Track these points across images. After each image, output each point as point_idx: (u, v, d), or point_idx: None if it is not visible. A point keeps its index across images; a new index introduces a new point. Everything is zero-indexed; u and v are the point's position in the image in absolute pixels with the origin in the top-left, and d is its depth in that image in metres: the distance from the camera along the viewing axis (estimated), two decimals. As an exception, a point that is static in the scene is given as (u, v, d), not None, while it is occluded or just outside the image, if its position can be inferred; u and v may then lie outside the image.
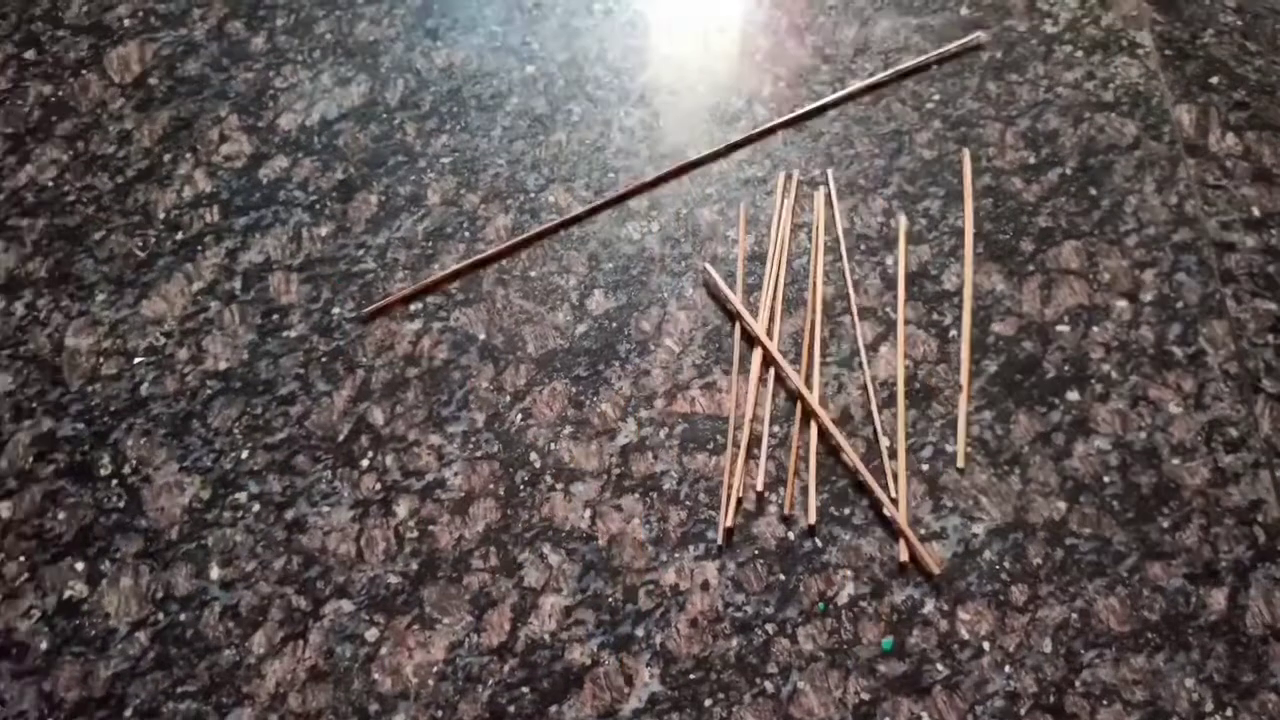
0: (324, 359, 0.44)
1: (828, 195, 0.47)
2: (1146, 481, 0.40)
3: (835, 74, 0.51)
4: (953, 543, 0.39)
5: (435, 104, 0.51)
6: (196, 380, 0.44)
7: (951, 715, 0.36)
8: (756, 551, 0.39)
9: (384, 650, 0.38)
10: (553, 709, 0.37)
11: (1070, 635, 0.37)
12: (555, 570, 0.39)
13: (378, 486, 0.41)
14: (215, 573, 0.40)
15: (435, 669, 0.38)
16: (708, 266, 0.44)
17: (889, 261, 0.45)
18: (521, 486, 0.41)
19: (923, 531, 0.39)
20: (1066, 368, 0.43)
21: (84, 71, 0.53)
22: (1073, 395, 0.42)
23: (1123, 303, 0.44)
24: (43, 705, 0.37)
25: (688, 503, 0.40)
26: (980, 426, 0.41)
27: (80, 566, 0.40)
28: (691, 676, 0.37)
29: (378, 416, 0.43)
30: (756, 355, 0.43)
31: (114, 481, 0.42)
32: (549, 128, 0.50)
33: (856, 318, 0.44)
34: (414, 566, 0.40)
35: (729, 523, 0.39)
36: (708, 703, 0.37)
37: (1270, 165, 0.47)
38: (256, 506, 0.41)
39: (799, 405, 0.42)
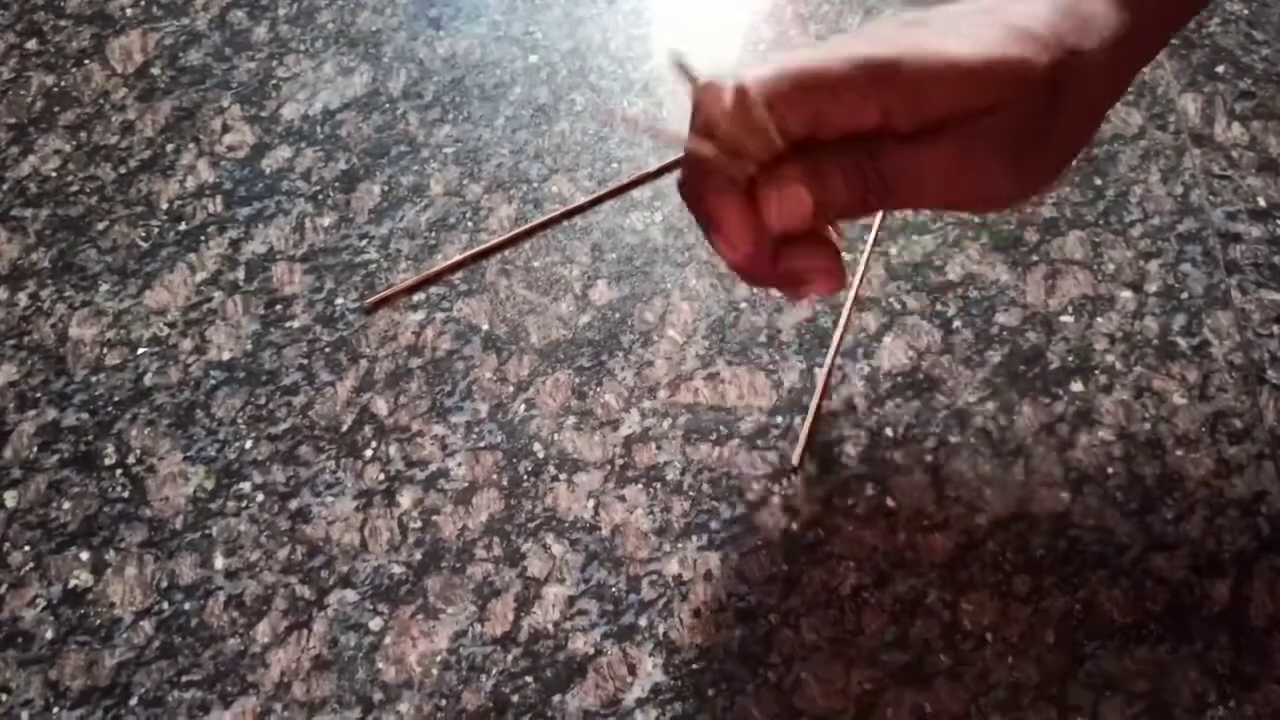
0: (327, 349, 0.44)
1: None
2: (1150, 473, 0.40)
3: (839, 63, 0.51)
4: (956, 532, 0.39)
5: (438, 94, 0.51)
6: (200, 370, 0.44)
7: (954, 706, 0.36)
8: (759, 542, 0.39)
9: (388, 640, 0.38)
10: (556, 698, 0.37)
11: (1073, 626, 0.37)
12: (558, 560, 0.39)
13: (381, 477, 0.41)
14: (219, 562, 0.40)
15: (439, 658, 0.38)
16: None
17: (893, 251, 0.45)
18: (525, 477, 0.41)
19: (926, 522, 0.39)
20: (1070, 358, 0.42)
21: (86, 61, 0.53)
22: (1076, 386, 0.42)
23: (1127, 293, 0.44)
24: (48, 694, 0.38)
25: (691, 493, 0.40)
26: (984, 417, 0.41)
27: (85, 556, 0.40)
28: (694, 666, 0.37)
29: (381, 407, 0.43)
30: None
31: (118, 471, 0.42)
32: (552, 117, 0.50)
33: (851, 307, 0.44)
34: (417, 556, 0.40)
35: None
36: (710, 692, 0.37)
37: (1276, 155, 0.47)
38: (260, 496, 0.41)
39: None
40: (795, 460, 0.40)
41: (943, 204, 0.33)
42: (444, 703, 0.37)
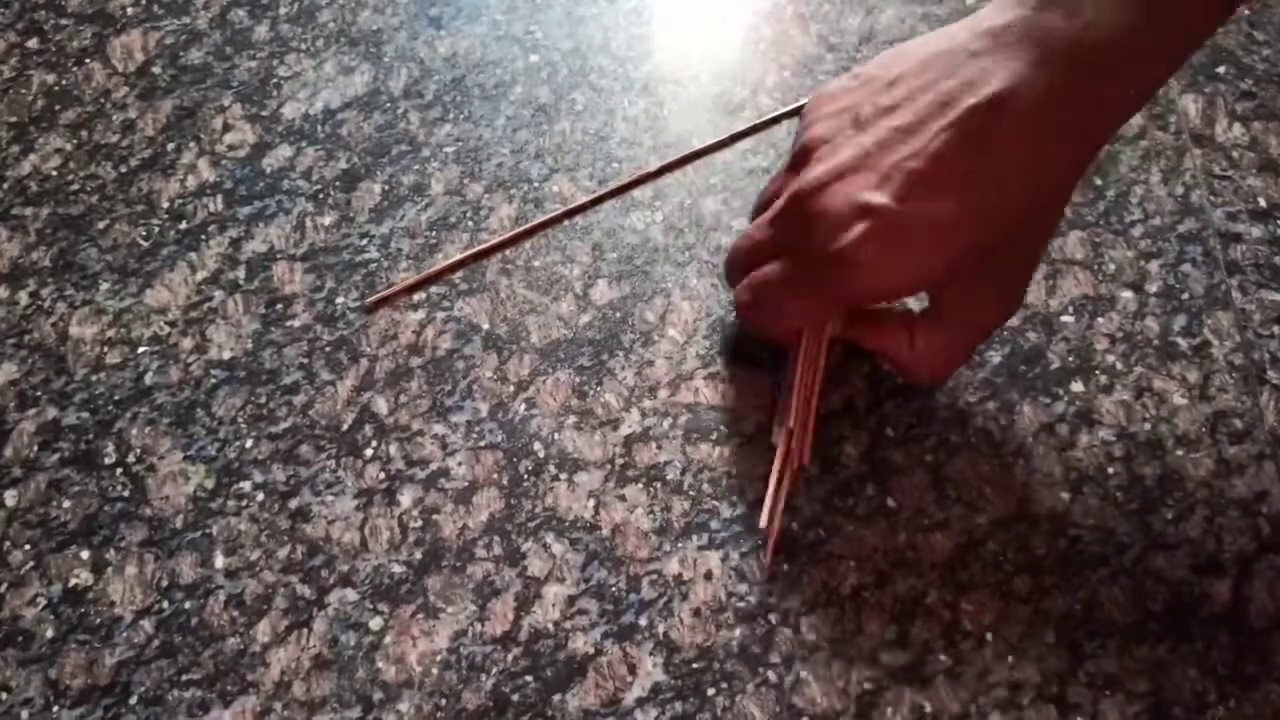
0: (328, 348, 0.44)
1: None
2: (1150, 473, 0.40)
3: (840, 63, 0.51)
4: (956, 532, 0.39)
5: (439, 93, 0.51)
6: (200, 369, 0.44)
7: (954, 705, 0.36)
8: (760, 541, 0.39)
9: (388, 639, 0.38)
10: (556, 698, 0.37)
11: (1073, 626, 0.37)
12: (559, 560, 0.39)
13: (381, 476, 0.41)
14: (220, 561, 0.40)
15: (439, 658, 0.38)
16: None
17: (893, 252, 0.45)
18: (525, 476, 0.41)
19: (926, 522, 0.39)
20: (1071, 358, 0.42)
21: (87, 60, 0.53)
22: (1077, 386, 0.42)
23: (1128, 293, 0.44)
24: (48, 692, 0.38)
25: (691, 493, 0.40)
26: (984, 417, 0.41)
27: (85, 555, 0.40)
28: (694, 666, 0.37)
29: (381, 406, 0.43)
30: None
31: (119, 470, 0.42)
32: (553, 117, 0.50)
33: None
34: (418, 556, 0.40)
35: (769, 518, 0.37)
36: (710, 692, 0.37)
37: (1277, 155, 0.47)
38: (260, 495, 0.41)
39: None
40: (763, 523, 0.38)
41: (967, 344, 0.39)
42: (444, 702, 0.37)
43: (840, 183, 0.34)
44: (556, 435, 0.42)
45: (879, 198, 0.33)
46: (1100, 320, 0.43)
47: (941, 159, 0.32)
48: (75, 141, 0.50)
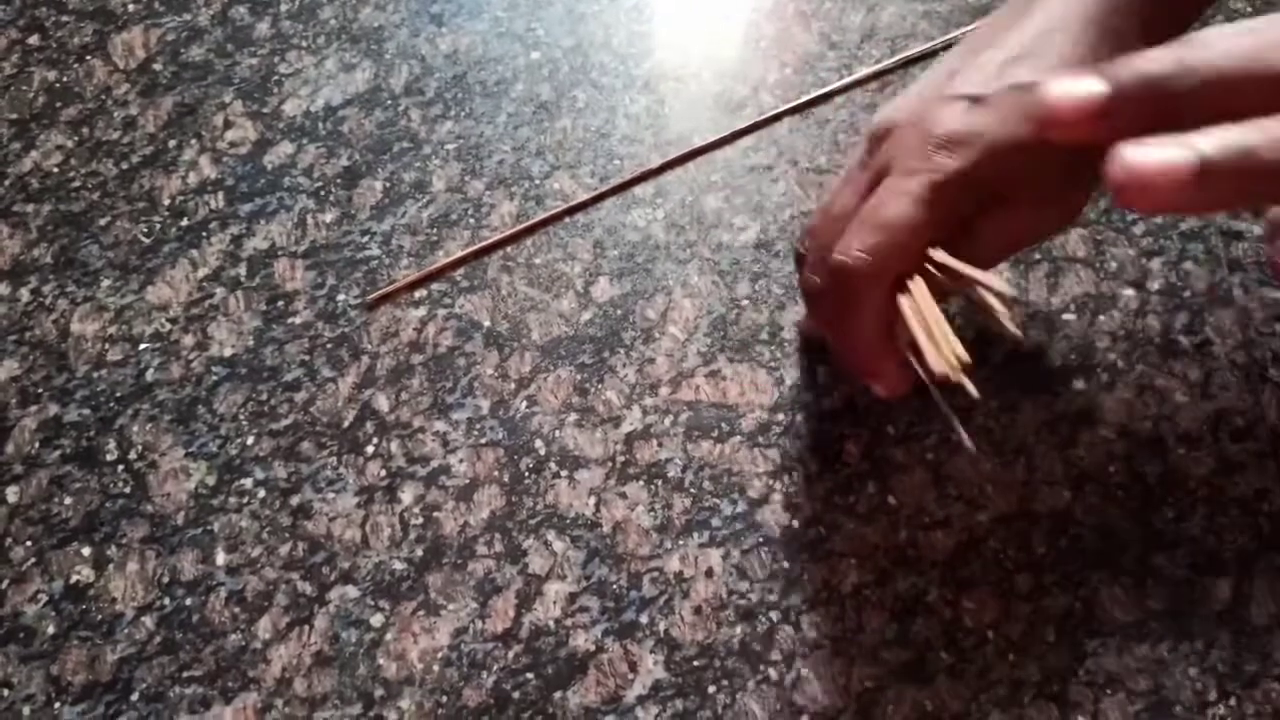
0: (329, 345, 0.44)
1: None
2: (1151, 471, 0.40)
3: (841, 61, 0.51)
4: (957, 530, 0.39)
5: (440, 90, 0.51)
6: (201, 366, 0.44)
7: (955, 703, 0.36)
8: (761, 539, 0.39)
9: (389, 636, 0.38)
10: (557, 695, 0.37)
11: (1074, 624, 0.37)
12: (560, 557, 0.39)
13: (382, 473, 0.41)
14: (221, 558, 0.40)
15: (440, 655, 0.38)
16: None
17: (895, 249, 0.45)
18: (526, 474, 0.41)
19: (927, 520, 0.39)
20: (1072, 356, 0.42)
21: (88, 57, 0.53)
22: (1078, 384, 0.42)
23: (1129, 291, 0.44)
24: (50, 689, 0.38)
25: (692, 490, 0.40)
26: (985, 415, 0.41)
27: (87, 551, 0.40)
28: (695, 663, 0.37)
29: (382, 403, 0.43)
30: None
31: (120, 467, 0.42)
32: (554, 114, 0.50)
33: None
34: (419, 553, 0.40)
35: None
36: (711, 689, 0.37)
37: (1279, 153, 0.47)
38: (262, 492, 0.41)
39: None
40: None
41: (1024, 243, 0.37)
42: (445, 699, 0.37)
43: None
44: (557, 432, 0.42)
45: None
46: (1102, 318, 0.43)
47: None
48: (76, 138, 0.50)
